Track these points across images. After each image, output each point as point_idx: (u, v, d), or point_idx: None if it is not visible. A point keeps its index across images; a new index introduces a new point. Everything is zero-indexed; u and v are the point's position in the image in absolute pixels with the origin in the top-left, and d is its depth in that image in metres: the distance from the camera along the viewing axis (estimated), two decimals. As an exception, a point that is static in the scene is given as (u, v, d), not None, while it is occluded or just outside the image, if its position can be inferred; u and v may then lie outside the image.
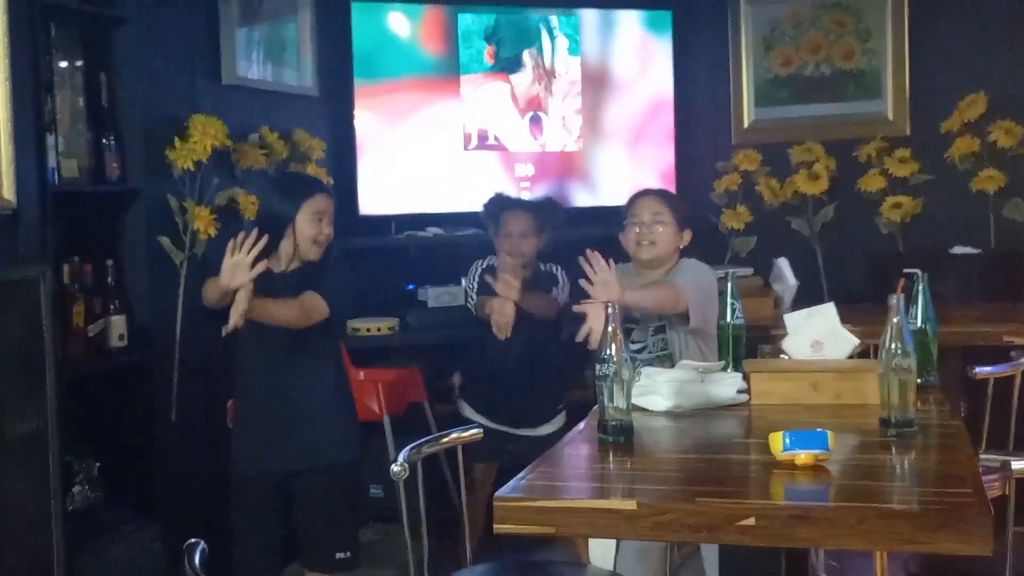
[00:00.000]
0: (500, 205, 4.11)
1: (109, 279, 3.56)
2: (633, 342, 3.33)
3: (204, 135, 3.77)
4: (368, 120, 4.93)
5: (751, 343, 2.99)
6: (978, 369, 3.29)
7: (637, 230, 3.35)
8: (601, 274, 2.96)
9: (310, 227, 3.14)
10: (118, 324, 3.55)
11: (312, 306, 3.05)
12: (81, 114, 3.53)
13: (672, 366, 3.21)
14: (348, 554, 3.16)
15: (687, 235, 3.41)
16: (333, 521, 3.17)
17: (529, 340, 4.01)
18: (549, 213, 4.10)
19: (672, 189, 4.87)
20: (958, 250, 4.81)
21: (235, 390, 3.28)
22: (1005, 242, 4.88)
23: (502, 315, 3.84)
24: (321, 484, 3.16)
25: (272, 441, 3.15)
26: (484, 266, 4.13)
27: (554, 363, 4.14)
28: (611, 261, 3.00)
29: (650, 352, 3.32)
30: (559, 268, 4.09)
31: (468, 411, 4.15)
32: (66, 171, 3.43)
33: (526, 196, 4.72)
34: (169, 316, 3.78)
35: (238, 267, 2.85)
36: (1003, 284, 4.71)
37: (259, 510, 3.19)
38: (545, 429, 4.05)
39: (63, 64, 3.48)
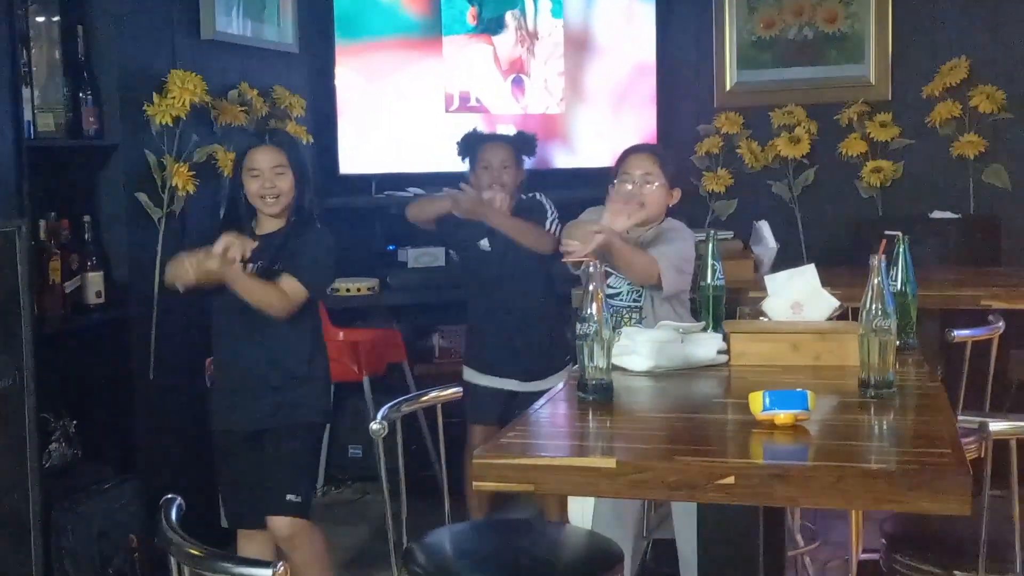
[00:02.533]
0: (477, 139, 4.05)
1: (86, 235, 3.53)
2: (610, 286, 3.32)
3: (183, 90, 3.73)
4: (349, 79, 4.89)
5: (730, 306, 2.99)
6: (956, 332, 3.30)
7: (628, 186, 3.33)
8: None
9: (249, 183, 3.13)
10: (95, 281, 3.52)
11: (291, 294, 3.06)
12: (57, 68, 3.48)
13: (640, 319, 3.22)
14: (298, 497, 3.12)
15: (676, 193, 3.39)
16: (288, 470, 3.14)
17: (525, 288, 3.92)
18: (526, 144, 4.05)
19: (654, 151, 4.86)
20: (937, 215, 4.82)
21: (213, 348, 3.28)
22: (984, 207, 4.90)
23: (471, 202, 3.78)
24: (285, 441, 3.15)
25: (244, 398, 3.16)
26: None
27: (555, 310, 4.02)
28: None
29: (622, 300, 3.32)
30: (542, 194, 4.00)
31: (473, 375, 3.95)
32: (42, 125, 3.39)
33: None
34: (147, 273, 3.75)
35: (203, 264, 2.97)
36: (981, 249, 4.73)
37: (235, 462, 3.20)
38: (555, 380, 3.79)
39: (40, 19, 3.43)
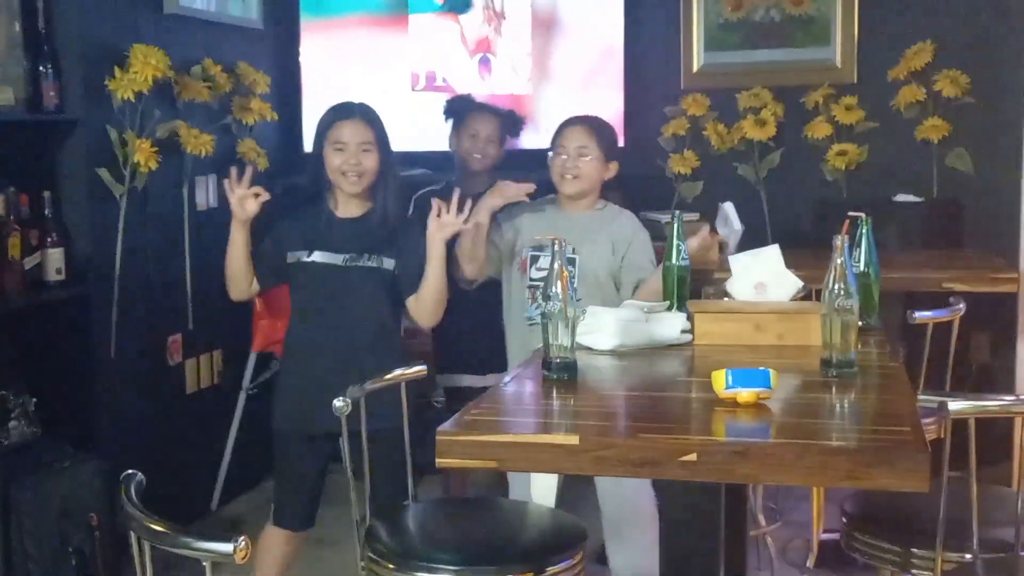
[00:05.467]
0: (469, 105, 3.98)
1: (46, 211, 3.49)
2: (539, 268, 3.30)
3: (145, 65, 3.69)
4: (314, 56, 4.86)
5: (695, 286, 3.00)
6: (917, 314, 3.33)
7: (564, 157, 3.33)
8: None
9: (332, 157, 3.04)
10: (55, 257, 3.48)
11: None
12: (17, 40, 3.43)
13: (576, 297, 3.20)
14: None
15: (613, 167, 3.39)
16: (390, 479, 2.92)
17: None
18: (513, 124, 3.99)
19: (620, 133, 4.86)
20: (901, 198, 4.84)
21: (290, 342, 3.17)
22: (947, 191, 4.93)
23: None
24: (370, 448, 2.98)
25: (316, 403, 2.95)
26: (420, 193, 3.86)
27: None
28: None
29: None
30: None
31: (453, 378, 3.83)
32: (1, 99, 3.35)
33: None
34: (108, 250, 3.72)
35: (244, 199, 2.96)
36: (944, 232, 4.77)
37: (298, 463, 3.11)
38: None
39: (-2, -11, 3.39)
